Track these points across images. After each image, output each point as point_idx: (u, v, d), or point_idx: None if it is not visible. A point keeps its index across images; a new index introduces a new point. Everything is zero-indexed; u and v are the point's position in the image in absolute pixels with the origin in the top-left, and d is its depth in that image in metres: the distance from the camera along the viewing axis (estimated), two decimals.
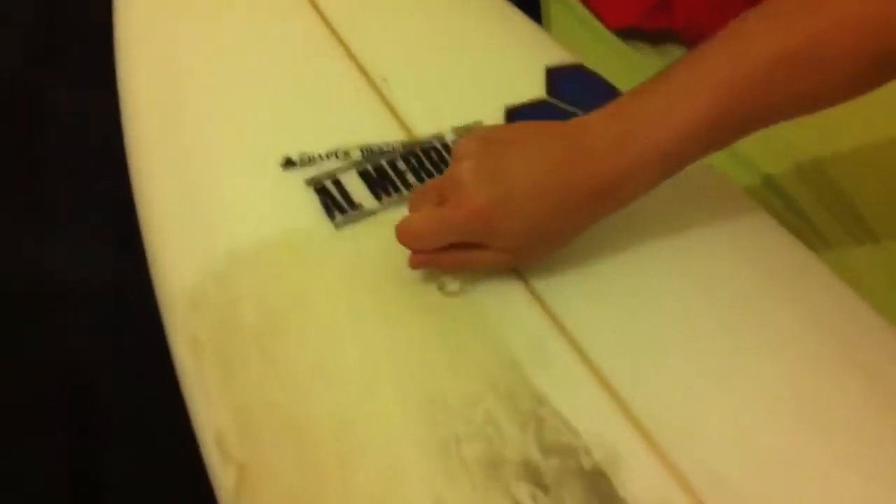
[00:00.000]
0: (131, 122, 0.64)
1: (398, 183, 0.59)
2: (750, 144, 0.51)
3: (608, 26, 0.97)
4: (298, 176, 0.59)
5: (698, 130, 0.47)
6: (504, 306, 0.52)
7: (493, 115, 0.65)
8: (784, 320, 0.52)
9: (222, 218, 0.57)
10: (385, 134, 0.62)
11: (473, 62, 0.71)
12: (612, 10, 0.98)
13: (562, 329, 0.51)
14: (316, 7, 0.75)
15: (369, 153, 0.60)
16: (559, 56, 0.72)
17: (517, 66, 0.71)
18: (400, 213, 0.56)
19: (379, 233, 0.55)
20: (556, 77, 0.69)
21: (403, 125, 0.63)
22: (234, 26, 0.74)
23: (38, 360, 1.06)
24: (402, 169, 0.60)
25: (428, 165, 0.60)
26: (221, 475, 0.46)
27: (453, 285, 0.52)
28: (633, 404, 0.47)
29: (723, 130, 0.48)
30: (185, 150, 0.62)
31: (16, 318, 1.10)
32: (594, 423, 0.46)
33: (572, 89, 0.68)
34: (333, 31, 0.72)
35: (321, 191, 0.58)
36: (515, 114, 0.65)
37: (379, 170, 0.59)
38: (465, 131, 0.63)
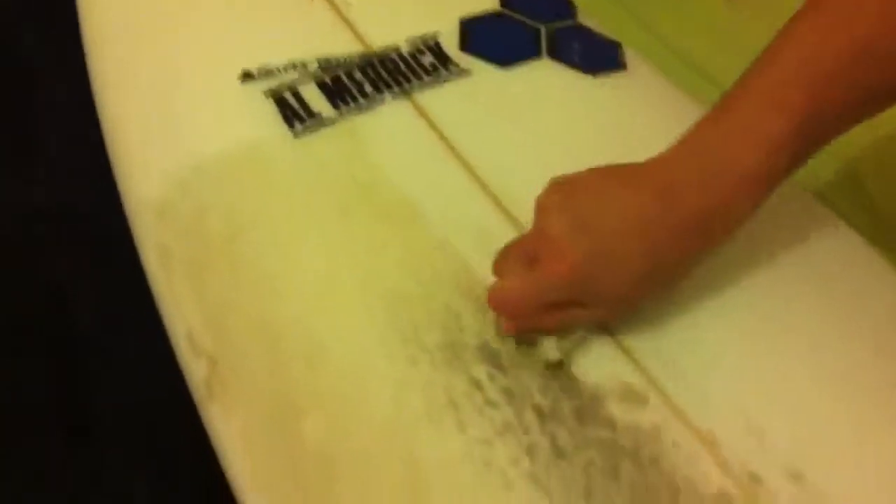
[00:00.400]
0: (92, 40, 0.65)
1: (355, 92, 0.60)
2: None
3: None
4: (257, 88, 0.60)
5: (785, 142, 0.44)
6: None
7: (447, 27, 0.66)
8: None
9: (185, 130, 0.58)
10: (341, 46, 0.63)
11: None
12: None
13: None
14: None
15: (327, 64, 0.61)
16: None
17: None
18: (357, 121, 0.58)
19: (337, 140, 0.57)
20: None
21: (359, 37, 0.64)
22: None
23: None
24: (359, 79, 0.61)
25: (385, 75, 0.61)
26: (193, 367, 0.48)
27: (554, 353, 0.47)
28: None
29: (808, 139, 0.45)
30: (146, 65, 0.63)
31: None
32: None
33: (526, 0, 0.69)
34: None
35: (280, 101, 0.59)
36: (469, 25, 0.66)
37: (336, 80, 0.61)
38: (419, 41, 0.64)
